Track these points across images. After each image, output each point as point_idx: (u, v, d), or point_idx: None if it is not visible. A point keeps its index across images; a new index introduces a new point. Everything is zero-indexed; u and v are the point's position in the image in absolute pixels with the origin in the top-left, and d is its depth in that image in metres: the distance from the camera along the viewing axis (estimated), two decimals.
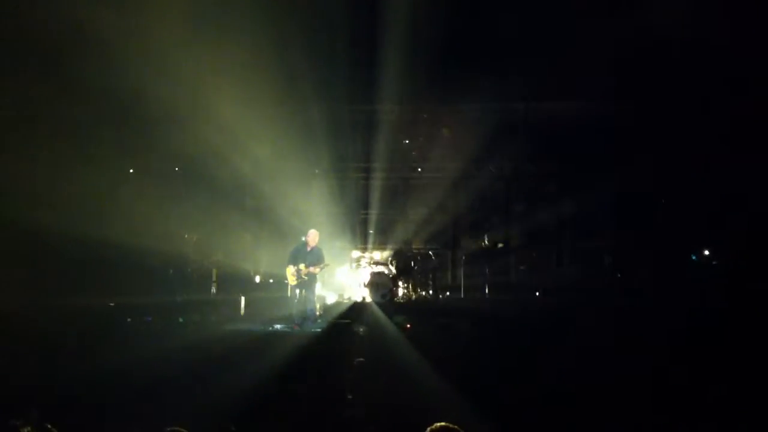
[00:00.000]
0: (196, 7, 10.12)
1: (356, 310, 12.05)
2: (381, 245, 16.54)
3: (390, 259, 15.20)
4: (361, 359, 7.84)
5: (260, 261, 15.11)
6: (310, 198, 15.29)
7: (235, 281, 13.78)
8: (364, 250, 16.50)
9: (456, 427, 3.71)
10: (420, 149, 15.68)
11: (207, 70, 10.81)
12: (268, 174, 13.91)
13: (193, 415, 5.05)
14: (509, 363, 7.73)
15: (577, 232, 14.58)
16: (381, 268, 14.88)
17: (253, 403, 6.37)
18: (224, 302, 12.38)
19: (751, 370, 6.71)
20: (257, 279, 14.95)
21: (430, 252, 15.84)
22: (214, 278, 13.60)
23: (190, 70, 10.64)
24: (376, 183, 15.99)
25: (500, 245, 13.96)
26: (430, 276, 15.21)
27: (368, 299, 13.44)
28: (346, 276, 16.14)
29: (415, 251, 15.67)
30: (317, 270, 10.79)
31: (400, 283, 14.30)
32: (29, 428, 3.68)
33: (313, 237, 10.96)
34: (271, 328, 10.47)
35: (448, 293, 15.01)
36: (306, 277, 10.69)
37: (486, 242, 13.88)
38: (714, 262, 12.04)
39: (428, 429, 3.72)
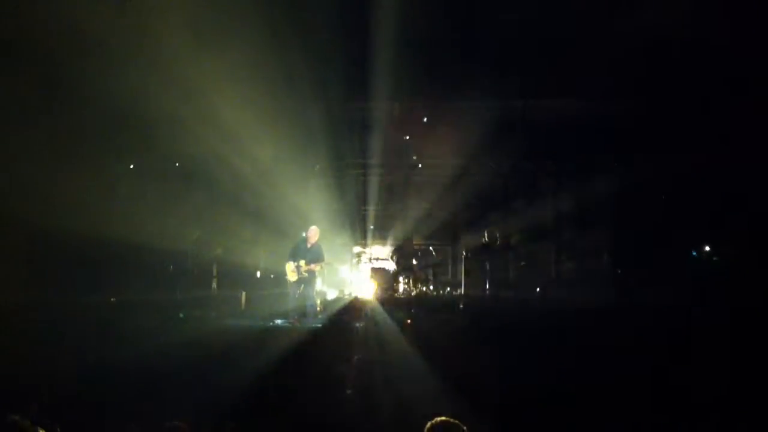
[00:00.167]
0: (194, 7, 10.12)
1: (357, 306, 12.06)
2: (381, 241, 16.59)
3: (390, 255, 15.24)
4: (361, 356, 7.86)
5: (261, 257, 15.13)
6: (310, 194, 15.30)
7: (236, 277, 13.79)
8: (365, 246, 16.55)
9: (456, 422, 3.70)
10: (420, 146, 15.70)
11: (206, 69, 10.79)
12: (268, 171, 13.93)
13: (193, 411, 5.07)
14: (509, 361, 7.73)
15: (577, 228, 14.59)
16: (381, 264, 14.93)
17: (250, 399, 6.40)
18: (225, 298, 12.42)
19: (751, 369, 6.70)
20: (258, 275, 14.98)
21: (430, 248, 15.89)
22: (214, 274, 13.63)
23: (190, 70, 10.62)
24: (376, 179, 16.03)
25: (500, 242, 13.96)
26: (431, 272, 15.25)
27: (369, 295, 13.47)
28: (346, 272, 16.19)
29: (415, 247, 15.70)
30: (317, 268, 10.80)
31: (401, 279, 14.33)
32: (28, 423, 3.69)
33: (313, 233, 10.95)
34: (271, 324, 10.49)
35: (448, 289, 15.05)
36: (306, 274, 10.71)
37: (486, 238, 13.89)
38: (714, 258, 12.02)
39: (429, 423, 3.71)
